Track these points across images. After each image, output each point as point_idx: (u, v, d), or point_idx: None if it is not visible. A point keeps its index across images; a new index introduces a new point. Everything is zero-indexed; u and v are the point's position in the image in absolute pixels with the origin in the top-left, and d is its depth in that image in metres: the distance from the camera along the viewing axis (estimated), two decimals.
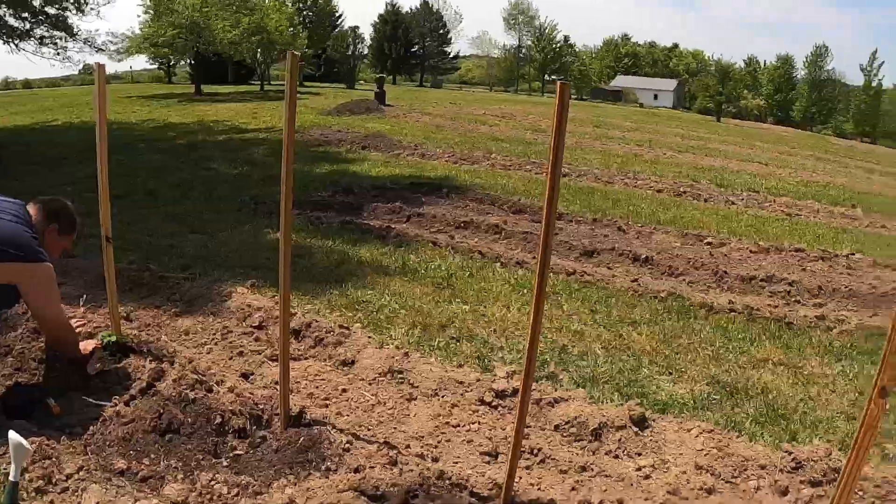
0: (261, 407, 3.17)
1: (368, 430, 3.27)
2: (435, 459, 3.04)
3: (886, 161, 27.08)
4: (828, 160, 21.80)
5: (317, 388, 3.69)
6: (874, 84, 71.42)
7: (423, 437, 3.24)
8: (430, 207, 8.46)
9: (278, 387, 3.07)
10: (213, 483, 2.63)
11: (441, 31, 76.60)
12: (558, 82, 2.27)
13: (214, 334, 4.32)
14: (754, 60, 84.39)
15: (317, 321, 4.42)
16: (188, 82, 41.08)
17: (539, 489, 2.86)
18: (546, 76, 79.32)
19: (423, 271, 5.95)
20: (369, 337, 4.26)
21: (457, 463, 3.02)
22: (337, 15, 64.40)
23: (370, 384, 3.77)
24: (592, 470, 3.07)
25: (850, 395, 4.30)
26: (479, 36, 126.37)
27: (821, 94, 74.19)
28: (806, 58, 77.55)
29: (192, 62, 37.01)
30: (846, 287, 6.62)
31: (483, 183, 10.34)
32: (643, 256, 6.76)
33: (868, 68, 72.13)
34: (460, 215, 8.08)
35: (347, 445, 2.95)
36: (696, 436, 3.40)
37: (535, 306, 2.39)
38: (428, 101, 29.52)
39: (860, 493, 3.00)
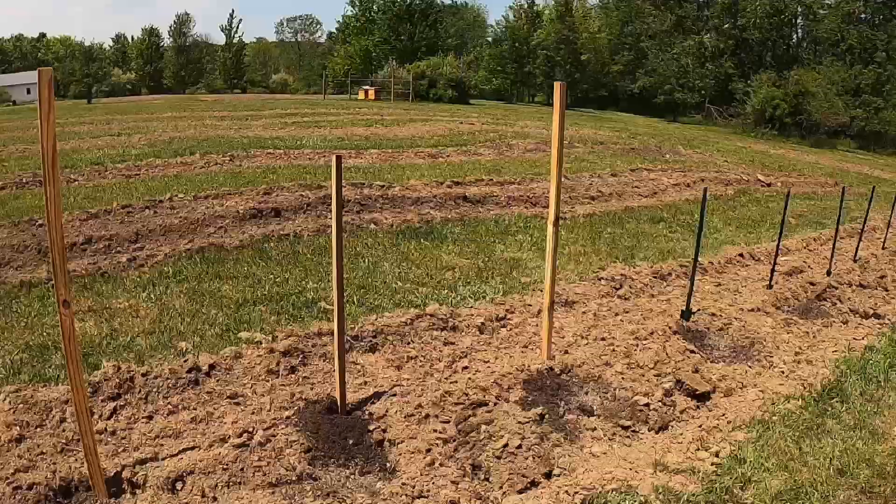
0: None
1: None
2: None
3: (242, 107, 30.65)
4: (185, 118, 23.64)
5: None
6: (236, 41, 79.63)
7: None
8: None
9: None
10: None
11: None
12: None
13: None
14: (123, 37, 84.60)
15: None
16: None
17: None
18: None
19: None
20: None
21: None
22: None
23: None
24: None
25: (152, 315, 5.67)
26: None
27: (188, 57, 79.18)
28: (170, 27, 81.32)
29: None
30: (161, 226, 8.10)
31: None
32: None
33: (228, 27, 79.89)
34: None
35: None
36: (4, 399, 4.16)
37: None
38: None
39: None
